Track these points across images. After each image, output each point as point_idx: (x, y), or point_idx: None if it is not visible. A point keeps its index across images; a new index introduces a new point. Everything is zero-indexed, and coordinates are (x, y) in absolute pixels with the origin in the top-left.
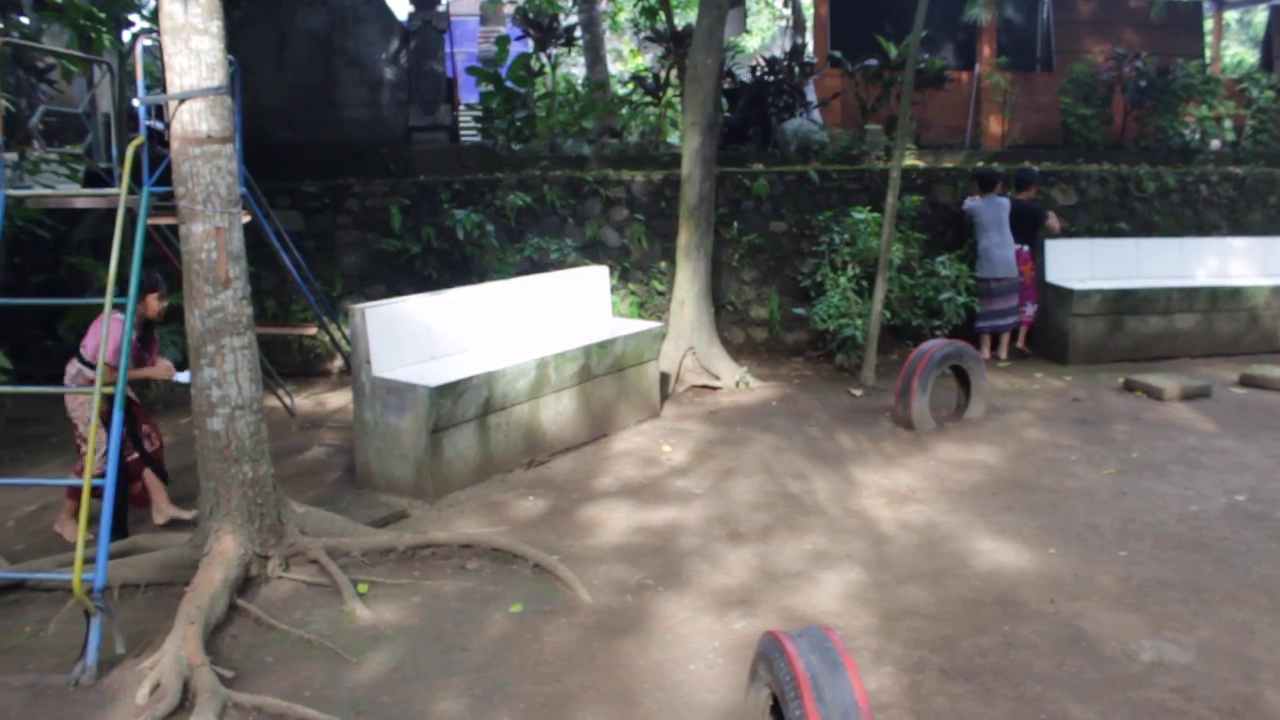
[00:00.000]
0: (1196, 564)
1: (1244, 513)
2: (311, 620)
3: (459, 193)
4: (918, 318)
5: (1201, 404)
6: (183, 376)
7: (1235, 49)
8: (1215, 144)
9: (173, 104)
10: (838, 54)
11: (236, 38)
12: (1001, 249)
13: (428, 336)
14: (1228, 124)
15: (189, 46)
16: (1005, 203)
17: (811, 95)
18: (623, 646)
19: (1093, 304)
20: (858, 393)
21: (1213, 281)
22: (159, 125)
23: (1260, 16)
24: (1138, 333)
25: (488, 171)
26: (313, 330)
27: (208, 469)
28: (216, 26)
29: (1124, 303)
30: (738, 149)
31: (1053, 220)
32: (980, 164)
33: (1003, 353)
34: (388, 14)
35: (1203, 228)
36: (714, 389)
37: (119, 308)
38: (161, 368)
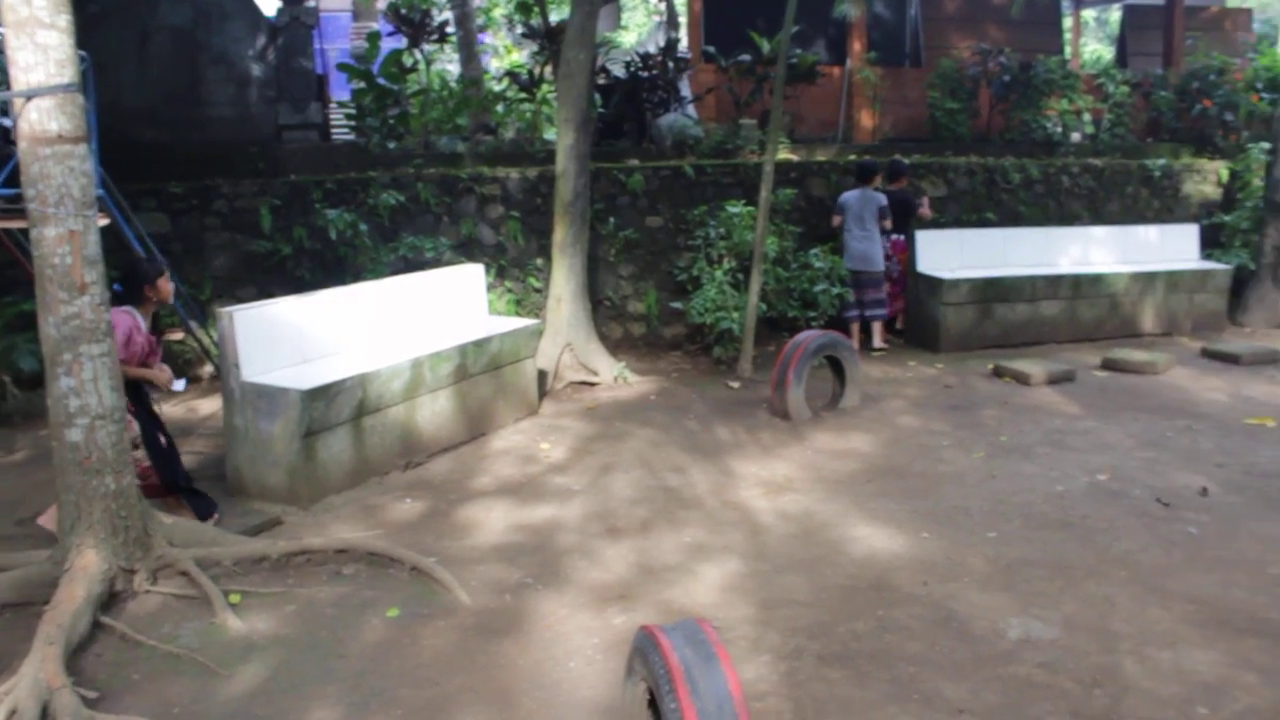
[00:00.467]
0: (1061, 542)
1: (1105, 491)
2: (181, 634)
3: (331, 192)
4: (793, 309)
5: (1066, 387)
6: (179, 385)
7: (1094, 46)
8: (1076, 137)
9: (19, 102)
10: (711, 49)
11: (92, 33)
12: (861, 241)
13: (299, 339)
14: (1087, 117)
15: (35, 41)
16: (877, 196)
17: (686, 90)
18: (502, 647)
19: (962, 293)
20: (735, 385)
21: (1076, 269)
22: (6, 123)
23: (1116, 15)
24: (1006, 320)
25: (360, 170)
26: (180, 335)
27: (67, 482)
28: (65, 21)
29: (992, 291)
30: (613, 144)
31: (925, 209)
32: (852, 157)
33: (876, 340)
34: (254, 10)
35: (1065, 217)
36: (592, 385)
37: (120, 303)
38: (164, 374)
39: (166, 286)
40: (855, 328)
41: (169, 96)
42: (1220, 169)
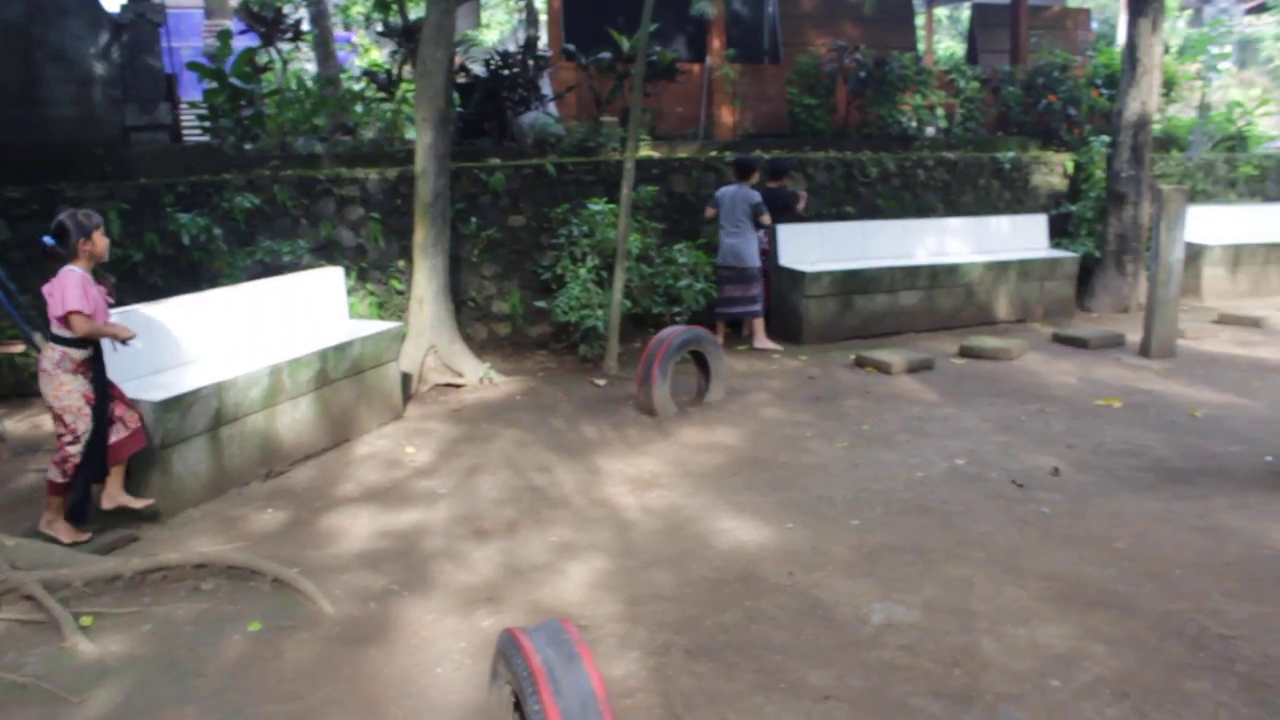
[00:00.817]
0: (922, 527)
1: (963, 475)
2: (27, 662)
3: (183, 195)
4: (658, 306)
5: (925, 375)
6: (137, 342)
7: (947, 43)
8: (930, 131)
9: None
10: (572, 47)
11: None
12: (731, 238)
13: (152, 348)
14: (940, 112)
15: None
16: (750, 194)
17: (547, 88)
18: (368, 656)
19: (823, 285)
20: (601, 382)
21: (932, 260)
22: None
23: (967, 13)
24: (866, 311)
25: (214, 172)
26: (20, 348)
27: None
28: None
29: (852, 283)
30: (474, 143)
31: (801, 205)
32: (713, 153)
33: (756, 341)
34: (95, 5)
35: (921, 209)
36: (458, 387)
37: (58, 261)
38: (125, 329)
39: (102, 242)
40: (720, 324)
41: (3, 96)
42: (1066, 161)
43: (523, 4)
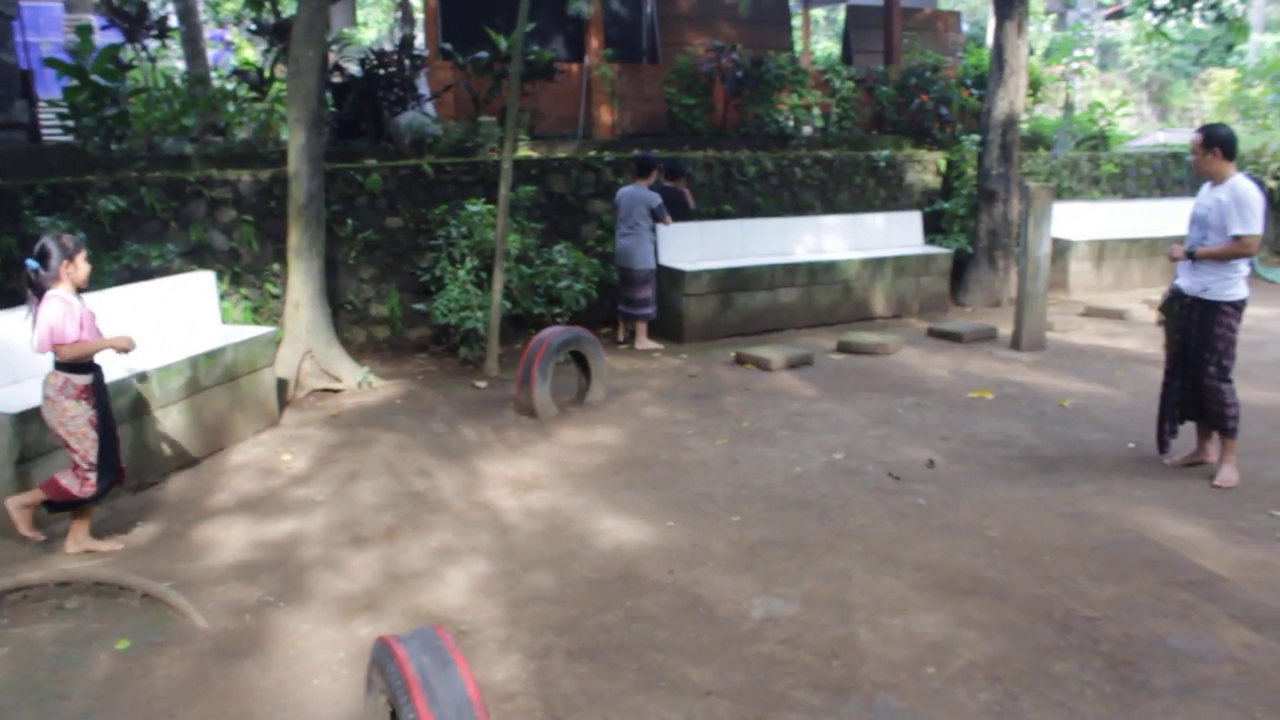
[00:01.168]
0: (801, 521)
1: (842, 469)
2: None
3: (43, 198)
4: (539, 306)
5: (805, 371)
6: (136, 348)
7: (825, 43)
8: (807, 130)
9: None
10: (449, 46)
11: None
12: (625, 238)
13: (9, 358)
14: (817, 111)
15: None
16: (649, 194)
17: (424, 88)
18: (243, 670)
19: (703, 283)
20: (482, 384)
21: (811, 257)
22: None
23: (844, 14)
24: (746, 308)
25: (76, 174)
26: None
27: None
28: None
29: (732, 281)
30: (350, 144)
31: (690, 203)
32: (593, 153)
33: (637, 342)
34: None
35: (799, 207)
36: (336, 392)
37: (38, 284)
38: (123, 339)
39: (85, 266)
40: (623, 325)
41: None
42: (939, 159)
43: (399, 2)
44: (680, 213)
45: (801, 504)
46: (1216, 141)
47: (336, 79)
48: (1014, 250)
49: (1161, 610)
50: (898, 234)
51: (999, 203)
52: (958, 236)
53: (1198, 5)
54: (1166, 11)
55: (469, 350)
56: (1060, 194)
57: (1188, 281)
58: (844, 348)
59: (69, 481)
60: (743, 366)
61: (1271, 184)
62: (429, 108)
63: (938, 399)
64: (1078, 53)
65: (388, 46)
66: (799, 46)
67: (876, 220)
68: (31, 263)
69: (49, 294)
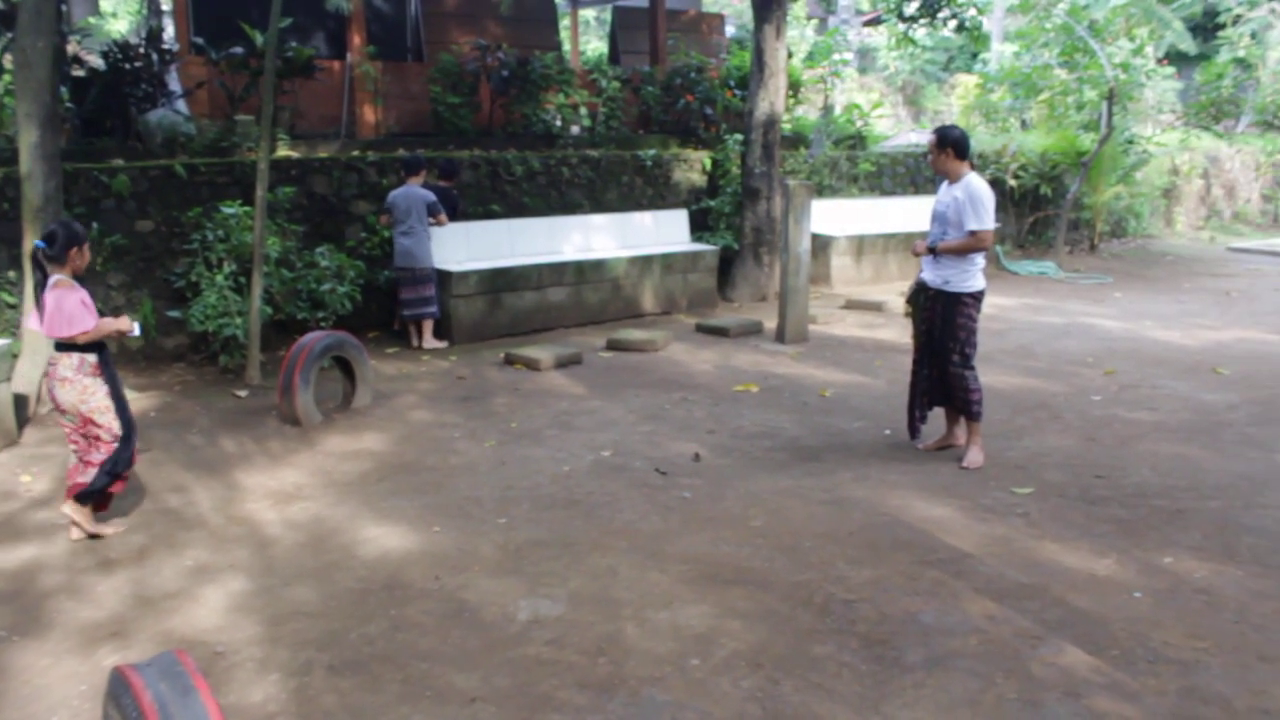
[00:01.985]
0: (568, 520)
1: (609, 466)
2: None
3: None
4: (302, 311)
5: (574, 370)
6: (137, 330)
7: (596, 44)
8: (575, 130)
9: None
10: (201, 41)
11: None
12: (405, 238)
13: None
14: (584, 111)
15: None
16: (424, 193)
17: (176, 85)
18: None
19: (471, 284)
20: (243, 394)
21: (579, 256)
22: None
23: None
24: (515, 308)
25: None
26: None
27: None
28: None
29: (500, 281)
30: (95, 143)
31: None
32: (356, 153)
33: (424, 342)
34: None
35: (568, 207)
36: None
37: (43, 265)
38: (124, 322)
39: (86, 256)
40: (412, 327)
41: None
42: (704, 158)
43: None
44: (453, 214)
45: (569, 503)
46: (949, 142)
47: (79, 73)
48: (778, 246)
49: (913, 589)
50: (665, 232)
51: (762, 200)
52: (724, 234)
53: (941, 15)
54: (913, 20)
55: (229, 358)
56: (821, 192)
57: (931, 275)
58: (613, 345)
59: (85, 477)
60: (512, 367)
61: (1012, 182)
62: (181, 105)
63: (704, 393)
64: (836, 56)
65: (135, 39)
66: (567, 46)
67: (644, 218)
68: (40, 243)
69: (58, 280)
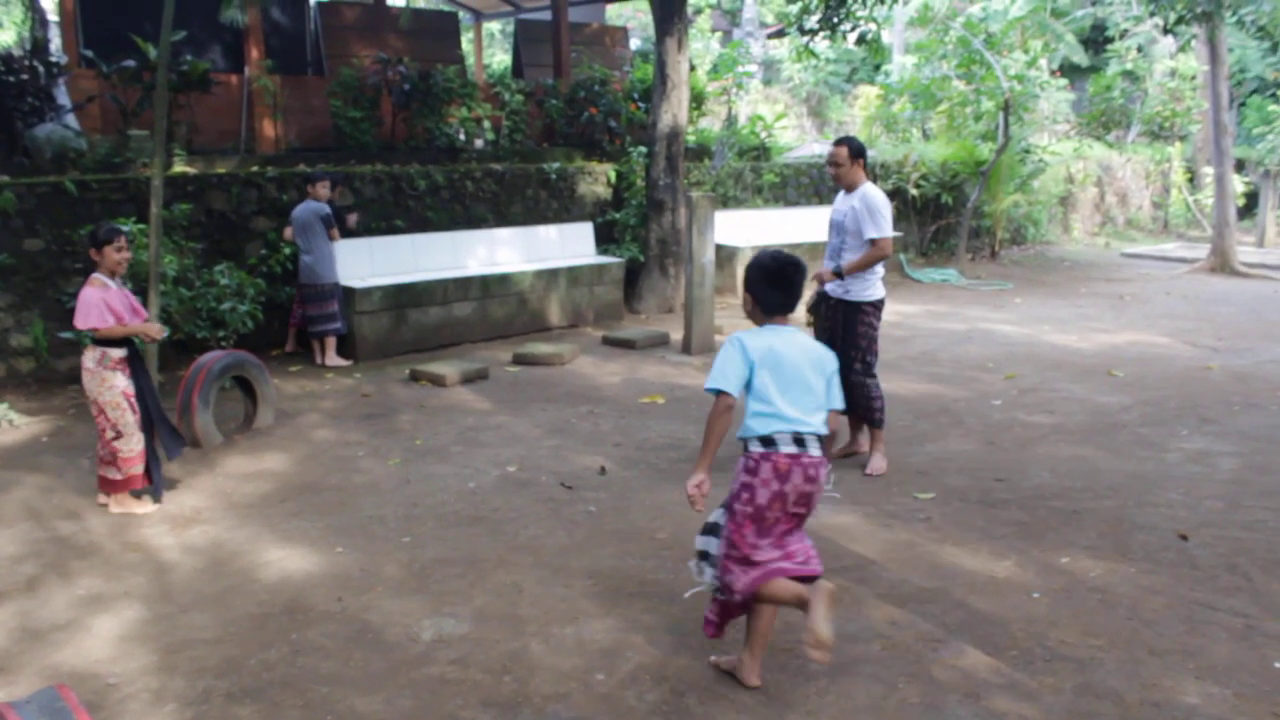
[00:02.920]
0: (473, 537)
1: (515, 482)
2: None
3: None
4: (202, 330)
5: (480, 385)
6: (162, 333)
7: (501, 57)
8: (479, 143)
9: None
10: (90, 53)
11: None
12: (307, 255)
13: None
14: (487, 124)
15: None
16: (320, 206)
17: (64, 98)
18: None
19: (374, 300)
20: None
21: (485, 270)
22: None
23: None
24: (420, 324)
25: None
26: None
27: None
28: None
29: (404, 296)
30: None
31: (352, 220)
32: (255, 168)
33: (326, 359)
34: None
35: (472, 221)
36: None
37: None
38: (153, 326)
39: (114, 256)
40: (315, 344)
41: None
42: (609, 171)
43: (27, 2)
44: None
45: (474, 520)
46: (861, 153)
47: None
48: (683, 258)
49: None
50: (571, 245)
51: (667, 212)
52: (629, 245)
53: (841, 28)
54: (814, 32)
55: None
56: (725, 202)
57: (832, 285)
58: (519, 360)
59: (108, 473)
60: (417, 383)
61: (914, 192)
62: (71, 119)
63: (611, 406)
64: (740, 69)
65: (19, 51)
66: (471, 60)
67: (549, 232)
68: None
69: (92, 276)
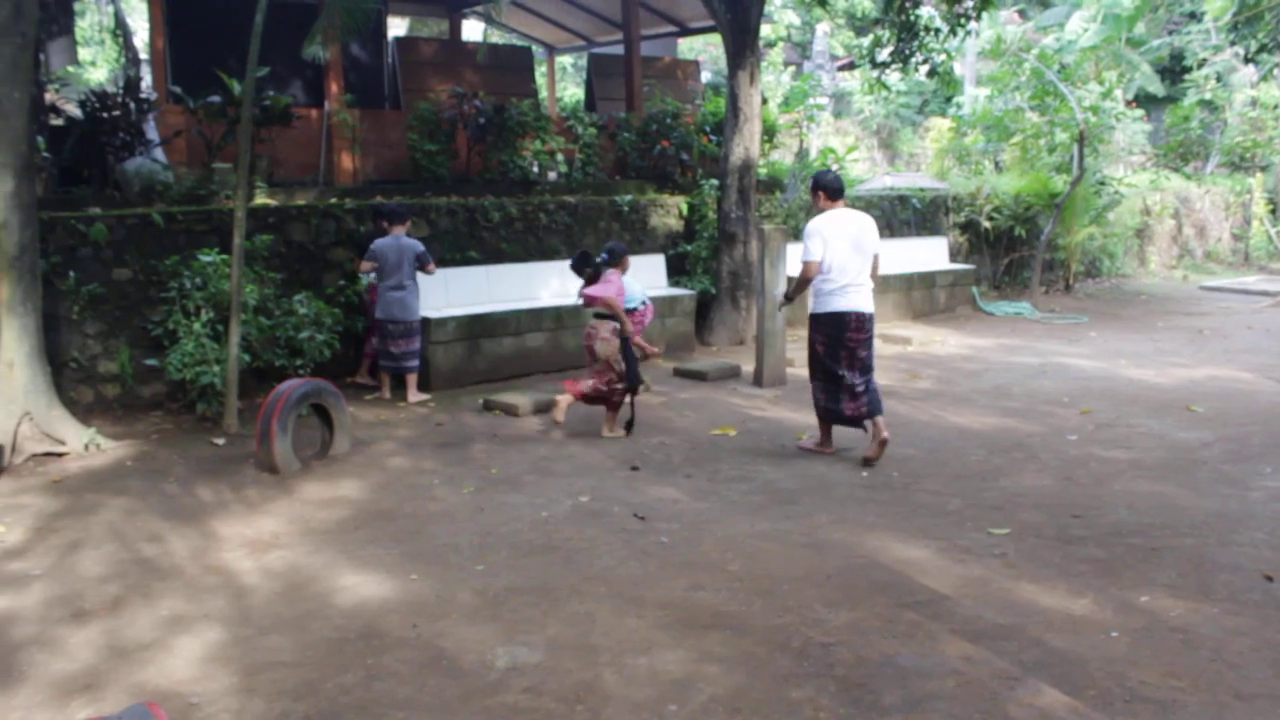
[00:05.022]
0: (546, 566)
1: (587, 512)
2: None
3: None
4: (280, 358)
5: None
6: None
7: (573, 90)
8: (552, 175)
9: None
10: (178, 89)
11: None
12: (397, 290)
13: None
14: (561, 157)
15: None
16: (414, 243)
17: (153, 133)
18: None
19: (449, 330)
20: (220, 442)
21: (557, 301)
22: None
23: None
24: (494, 354)
25: None
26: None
27: None
28: None
29: (478, 327)
30: (72, 192)
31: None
32: (334, 200)
33: (409, 395)
34: None
35: (545, 252)
36: (60, 456)
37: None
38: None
39: (627, 263)
40: (385, 377)
41: None
42: (681, 203)
43: (122, 42)
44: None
45: (547, 549)
46: (816, 186)
47: (56, 121)
48: (755, 290)
49: (891, 631)
50: (643, 276)
51: (739, 244)
52: (701, 278)
53: (913, 60)
54: (885, 65)
55: (206, 406)
56: (796, 235)
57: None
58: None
59: (587, 386)
60: (490, 413)
61: (986, 224)
62: (159, 154)
63: (682, 437)
64: (811, 101)
65: (112, 89)
66: (544, 93)
67: None
68: (602, 255)
69: (611, 273)
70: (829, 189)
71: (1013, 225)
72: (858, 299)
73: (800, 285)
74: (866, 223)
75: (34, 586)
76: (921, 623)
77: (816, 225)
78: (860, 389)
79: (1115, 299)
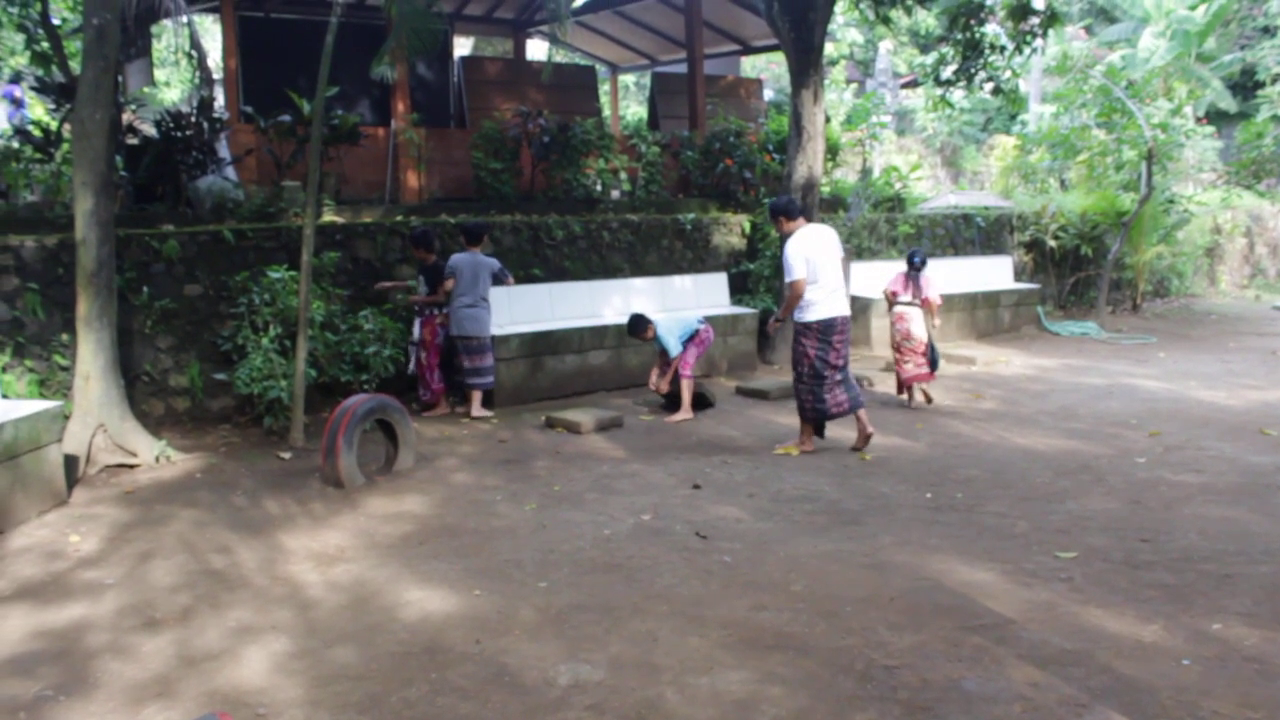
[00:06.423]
0: (608, 584)
1: (649, 530)
2: None
3: None
4: (346, 373)
5: (615, 433)
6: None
7: (635, 108)
8: (615, 194)
9: None
10: (250, 109)
11: None
12: (471, 307)
13: None
14: (624, 175)
15: None
16: (490, 261)
17: (225, 151)
18: None
19: (513, 348)
20: (287, 455)
21: (619, 319)
22: None
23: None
24: (556, 371)
25: None
26: None
27: None
28: None
29: (541, 344)
30: (147, 209)
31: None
32: (400, 218)
33: (472, 410)
34: None
35: (608, 270)
36: (132, 467)
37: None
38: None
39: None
40: (471, 394)
41: None
42: (743, 221)
43: (196, 63)
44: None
45: (609, 567)
46: (776, 211)
47: (132, 141)
48: None
49: (956, 655)
50: (705, 295)
51: None
52: (763, 296)
53: (978, 78)
54: (950, 83)
55: (273, 420)
56: (860, 254)
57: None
58: (653, 408)
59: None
60: (553, 430)
61: (1052, 243)
62: (230, 171)
63: (744, 456)
64: (874, 119)
65: (186, 108)
66: (608, 112)
67: (684, 282)
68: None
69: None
70: (787, 212)
71: (1079, 244)
72: (841, 304)
73: (792, 303)
74: (831, 234)
75: (107, 595)
76: (987, 647)
77: (795, 246)
78: (839, 379)
79: (1184, 319)
